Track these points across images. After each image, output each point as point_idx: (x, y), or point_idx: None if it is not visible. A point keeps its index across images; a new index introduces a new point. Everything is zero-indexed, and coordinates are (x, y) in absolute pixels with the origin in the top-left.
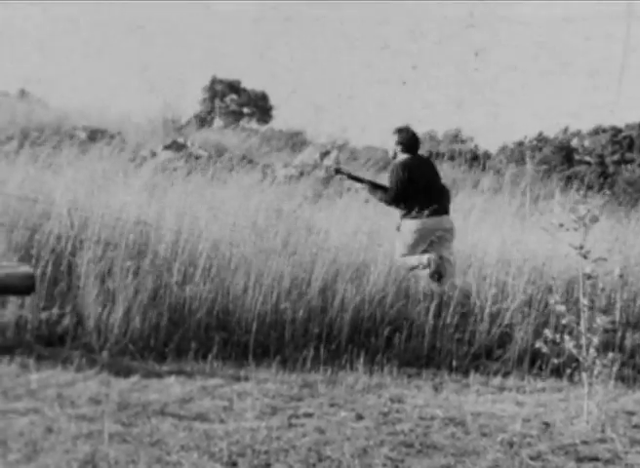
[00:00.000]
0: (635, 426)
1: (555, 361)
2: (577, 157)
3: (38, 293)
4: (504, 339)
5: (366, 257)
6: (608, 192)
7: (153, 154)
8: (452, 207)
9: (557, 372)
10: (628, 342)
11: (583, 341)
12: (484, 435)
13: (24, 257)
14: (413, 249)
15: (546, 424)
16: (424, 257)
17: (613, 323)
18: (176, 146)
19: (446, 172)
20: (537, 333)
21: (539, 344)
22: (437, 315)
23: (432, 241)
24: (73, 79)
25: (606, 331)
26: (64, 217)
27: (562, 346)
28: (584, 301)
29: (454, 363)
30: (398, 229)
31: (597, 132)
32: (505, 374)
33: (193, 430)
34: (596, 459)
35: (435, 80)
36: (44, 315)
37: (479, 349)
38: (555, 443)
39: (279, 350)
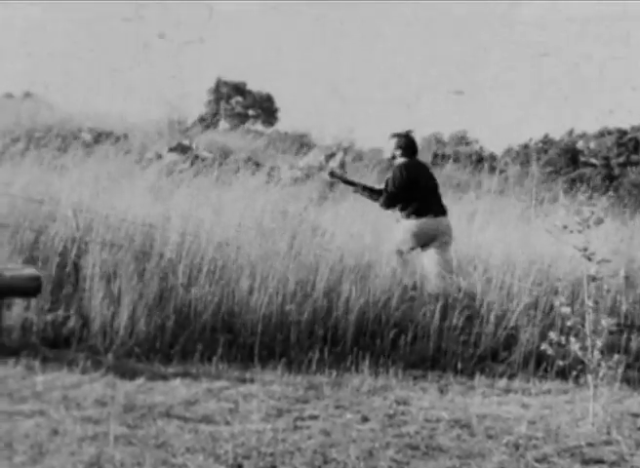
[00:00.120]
0: None
1: (561, 363)
2: (582, 159)
3: (44, 295)
4: (510, 341)
5: (371, 259)
6: (613, 194)
7: (159, 156)
8: (457, 209)
9: (562, 375)
10: (634, 344)
11: (589, 343)
12: (489, 437)
13: (30, 259)
14: (409, 246)
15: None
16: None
17: (618, 325)
18: (181, 148)
19: (451, 173)
20: (542, 336)
21: (544, 346)
22: (443, 317)
23: (430, 241)
24: (78, 80)
25: (611, 332)
26: (70, 219)
27: (567, 348)
28: (589, 303)
29: (459, 365)
30: (397, 221)
31: (603, 134)
32: (511, 377)
33: (199, 432)
34: (602, 462)
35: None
36: (49, 317)
37: (484, 351)
38: (561, 445)
39: (284, 352)
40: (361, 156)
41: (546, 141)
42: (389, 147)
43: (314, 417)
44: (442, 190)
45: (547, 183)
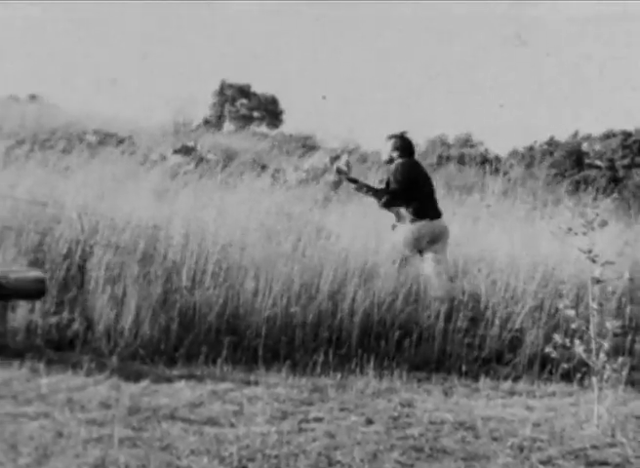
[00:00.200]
0: None
1: (565, 365)
2: (587, 161)
3: (48, 298)
4: (515, 344)
5: (376, 261)
6: (617, 196)
7: (163, 158)
8: (460, 211)
9: (567, 377)
10: (638, 347)
11: (593, 346)
12: (494, 439)
13: (34, 262)
14: (410, 248)
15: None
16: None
17: (622, 327)
18: (185, 150)
19: (456, 175)
20: (547, 338)
21: (548, 349)
22: (447, 319)
23: (429, 244)
24: (82, 82)
25: (615, 335)
26: (75, 222)
27: (572, 351)
28: (594, 305)
29: (464, 367)
30: (393, 228)
31: (608, 136)
32: (515, 379)
33: (203, 434)
34: (606, 464)
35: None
36: (54, 319)
37: (489, 354)
38: (565, 447)
39: (289, 354)
40: (365, 158)
41: (551, 143)
42: (386, 150)
43: (319, 420)
44: (447, 192)
45: (552, 185)
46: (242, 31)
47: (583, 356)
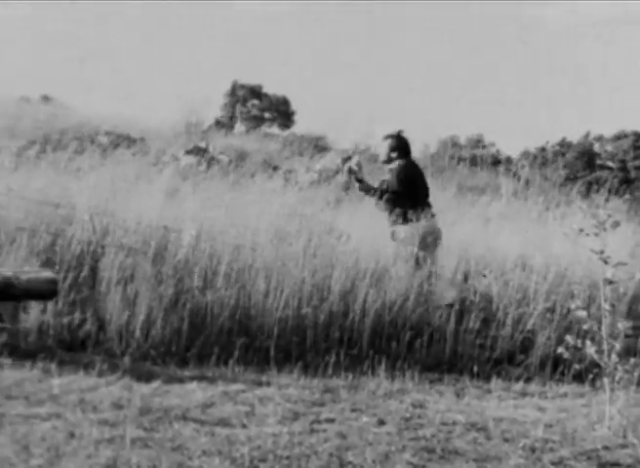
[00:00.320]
0: None
1: (577, 366)
2: (598, 162)
3: (60, 299)
4: (526, 345)
5: (387, 262)
6: (629, 197)
7: (175, 159)
8: (472, 212)
9: (579, 378)
10: None
11: (605, 347)
12: (506, 440)
13: (46, 262)
14: (419, 248)
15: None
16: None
17: (634, 328)
18: (197, 151)
19: (465, 176)
20: (559, 339)
21: (560, 350)
22: (459, 320)
23: (428, 243)
24: (95, 84)
25: (627, 336)
26: (86, 223)
27: (584, 352)
28: (606, 306)
29: (475, 368)
30: (393, 237)
31: (619, 137)
32: (527, 380)
33: (215, 435)
34: (618, 465)
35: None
36: (66, 320)
37: (501, 354)
38: (577, 448)
39: (301, 355)
40: (376, 158)
41: (563, 144)
42: (383, 150)
43: (330, 421)
44: (459, 193)
45: (564, 186)
46: (254, 32)
47: (595, 357)
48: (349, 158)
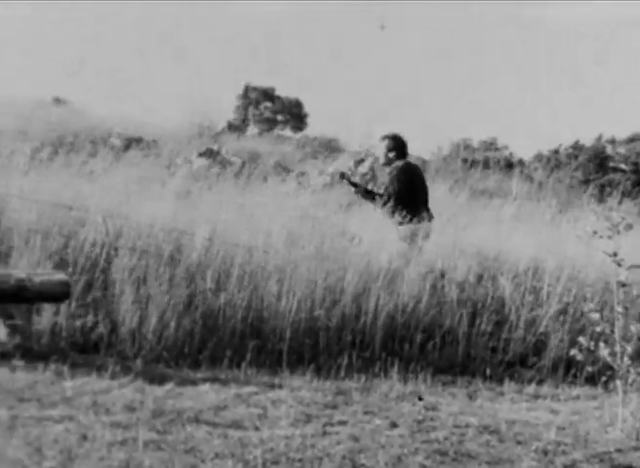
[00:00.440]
0: None
1: (590, 369)
2: (611, 164)
3: (73, 301)
4: (539, 347)
5: (399, 264)
6: None
7: (188, 161)
8: (485, 214)
9: (592, 380)
10: None
11: (618, 349)
12: (518, 443)
13: (59, 265)
14: (413, 246)
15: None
16: None
17: None
18: (210, 154)
19: (478, 179)
20: (572, 341)
21: (573, 352)
22: (471, 322)
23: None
24: (107, 86)
25: None
26: (99, 225)
27: (597, 354)
28: (619, 309)
29: (488, 371)
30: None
31: (632, 139)
32: (540, 382)
33: (228, 437)
34: (630, 467)
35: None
36: (79, 322)
37: (514, 357)
38: (590, 451)
39: (313, 358)
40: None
41: (576, 147)
42: (381, 152)
43: (343, 423)
44: (472, 196)
45: (577, 189)
46: (266, 34)
47: (608, 359)
48: (362, 161)
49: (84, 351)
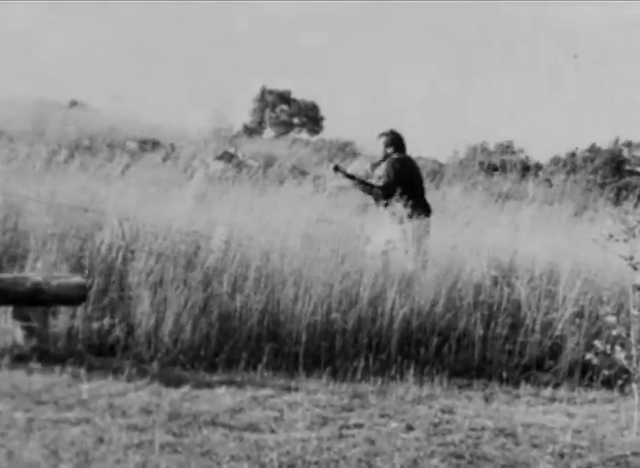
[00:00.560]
0: None
1: (606, 372)
2: (627, 168)
3: (89, 304)
4: (555, 350)
5: (416, 267)
6: None
7: (205, 164)
8: (501, 217)
9: (608, 384)
10: None
11: (634, 352)
12: (534, 446)
13: (76, 267)
14: (419, 245)
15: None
16: None
17: None
18: (227, 157)
19: (494, 182)
20: (588, 345)
21: (589, 356)
22: (487, 326)
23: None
24: (125, 89)
25: None
26: (116, 228)
27: (613, 357)
28: (635, 312)
29: (504, 374)
30: (400, 222)
31: None
32: (556, 386)
33: (244, 440)
34: None
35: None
36: (95, 325)
37: (530, 360)
38: (606, 454)
39: (329, 360)
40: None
41: (592, 150)
42: (379, 148)
43: (359, 426)
44: (488, 199)
45: (593, 192)
46: (282, 37)
47: (624, 363)
48: (379, 164)
49: (100, 354)
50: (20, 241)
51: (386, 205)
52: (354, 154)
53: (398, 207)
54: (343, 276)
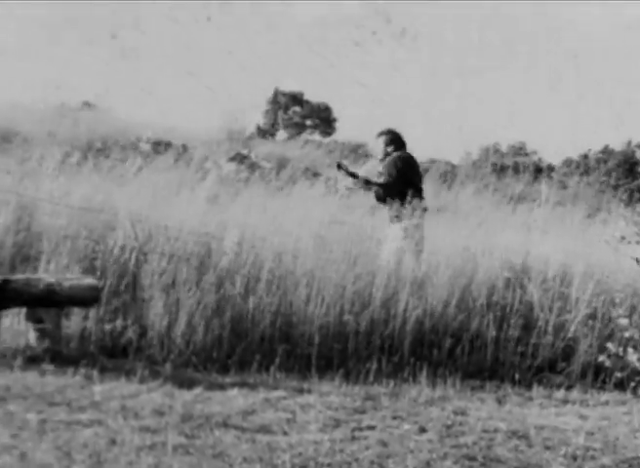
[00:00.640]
0: None
1: (619, 374)
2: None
3: (102, 305)
4: (568, 352)
5: (429, 268)
6: None
7: (217, 166)
8: (513, 219)
9: (621, 386)
10: None
11: None
12: (547, 448)
13: (88, 269)
14: (419, 243)
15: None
16: None
17: None
18: (239, 158)
19: (507, 184)
20: (600, 347)
21: (602, 358)
22: (499, 327)
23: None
24: (136, 91)
25: None
26: (128, 229)
27: (626, 359)
28: None
29: (517, 376)
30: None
31: None
32: (569, 388)
33: (256, 442)
34: None
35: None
36: (108, 326)
37: (542, 362)
38: (619, 456)
39: (342, 362)
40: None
41: (605, 152)
42: (379, 148)
43: (372, 428)
44: (501, 200)
45: (606, 194)
46: (295, 39)
47: (637, 365)
48: (383, 160)
49: (113, 355)
50: (32, 242)
51: (385, 202)
52: (367, 156)
53: (396, 206)
54: (356, 277)
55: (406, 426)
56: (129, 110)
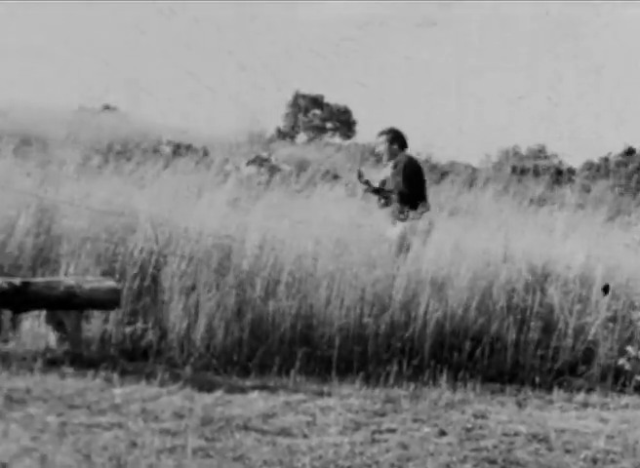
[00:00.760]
0: None
1: (639, 377)
2: None
3: (122, 308)
4: (588, 355)
5: (449, 271)
6: None
7: (237, 169)
8: (534, 222)
9: None
10: None
11: None
12: (567, 451)
13: (108, 271)
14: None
15: None
16: None
17: None
18: (259, 161)
19: (527, 187)
20: (621, 350)
21: (622, 361)
22: (519, 330)
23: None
24: (157, 94)
25: None
26: (149, 232)
27: None
28: None
29: (537, 379)
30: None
31: None
32: (589, 391)
33: (276, 445)
34: None
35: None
36: (128, 329)
37: (563, 365)
38: (639, 460)
39: (362, 365)
40: (436, 167)
41: (627, 155)
42: (382, 147)
43: (392, 431)
44: (521, 203)
45: (627, 197)
46: (315, 41)
47: None
48: (390, 159)
49: (133, 358)
50: (53, 245)
51: (386, 205)
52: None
53: (401, 207)
54: (375, 280)
55: (426, 429)
56: (148, 113)
